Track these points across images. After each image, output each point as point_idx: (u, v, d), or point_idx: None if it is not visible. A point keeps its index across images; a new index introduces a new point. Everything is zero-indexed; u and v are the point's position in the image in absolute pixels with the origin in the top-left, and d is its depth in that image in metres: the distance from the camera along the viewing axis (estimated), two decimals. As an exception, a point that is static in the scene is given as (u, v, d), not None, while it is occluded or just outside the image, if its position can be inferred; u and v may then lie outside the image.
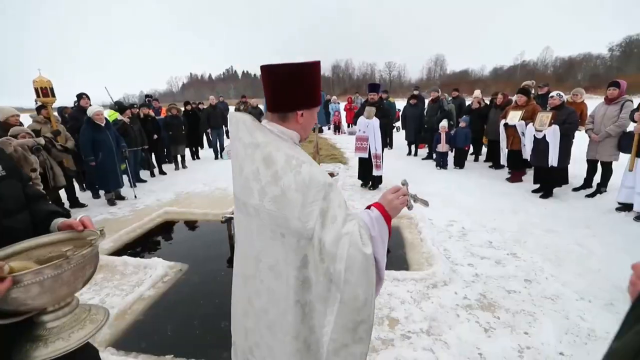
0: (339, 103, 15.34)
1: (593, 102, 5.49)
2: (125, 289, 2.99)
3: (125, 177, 5.69)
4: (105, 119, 5.36)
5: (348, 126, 13.97)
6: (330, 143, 10.85)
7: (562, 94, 4.87)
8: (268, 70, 1.01)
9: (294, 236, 0.91)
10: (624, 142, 4.27)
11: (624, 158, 4.42)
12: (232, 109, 13.58)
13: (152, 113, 7.52)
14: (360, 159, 5.60)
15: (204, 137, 10.28)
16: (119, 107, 6.93)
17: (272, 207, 0.91)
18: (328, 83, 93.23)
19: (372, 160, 5.40)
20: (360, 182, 5.92)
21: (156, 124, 7.51)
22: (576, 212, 4.36)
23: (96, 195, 5.85)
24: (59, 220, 1.11)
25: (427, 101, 8.60)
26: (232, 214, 4.02)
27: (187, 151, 8.83)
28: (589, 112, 5.14)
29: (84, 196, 5.81)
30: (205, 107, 10.15)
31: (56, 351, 0.89)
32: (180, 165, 8.21)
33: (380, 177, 5.67)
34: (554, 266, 3.10)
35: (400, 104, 11.61)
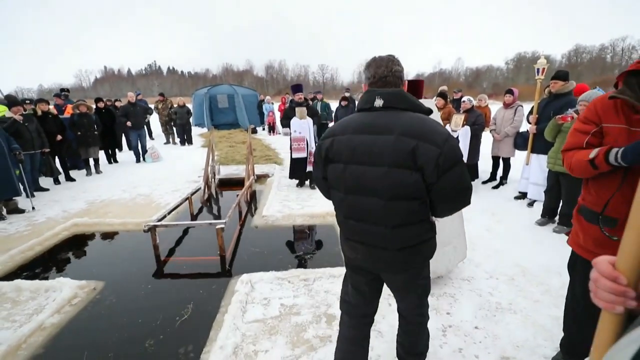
0: (273, 103, 15.17)
1: (496, 107, 6.34)
2: (18, 319, 2.50)
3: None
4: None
5: (282, 126, 13.89)
6: (264, 144, 10.66)
7: (472, 99, 5.54)
8: (414, 81, 2.24)
9: None
10: (518, 141, 5.04)
11: (520, 154, 5.20)
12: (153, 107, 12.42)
13: (53, 110, 6.46)
14: (296, 159, 5.60)
15: (123, 138, 9.25)
16: (9, 101, 5.80)
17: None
18: (262, 83, 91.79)
19: (308, 157, 5.49)
20: (296, 182, 5.93)
21: (59, 122, 6.48)
22: (485, 202, 4.98)
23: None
24: None
25: (357, 102, 9.01)
26: (158, 221, 3.67)
27: (102, 154, 7.82)
28: (492, 115, 5.93)
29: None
30: (122, 104, 9.11)
31: None
32: (93, 170, 7.21)
33: None
34: (469, 250, 3.47)
35: (333, 105, 11.96)
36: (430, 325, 2.34)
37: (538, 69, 4.42)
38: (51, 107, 6.52)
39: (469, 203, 1.36)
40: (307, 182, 5.87)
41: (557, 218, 3.96)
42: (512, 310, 2.52)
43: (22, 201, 4.89)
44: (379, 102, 1.35)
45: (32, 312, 2.57)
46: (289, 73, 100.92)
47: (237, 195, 4.76)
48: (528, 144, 4.61)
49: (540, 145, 4.31)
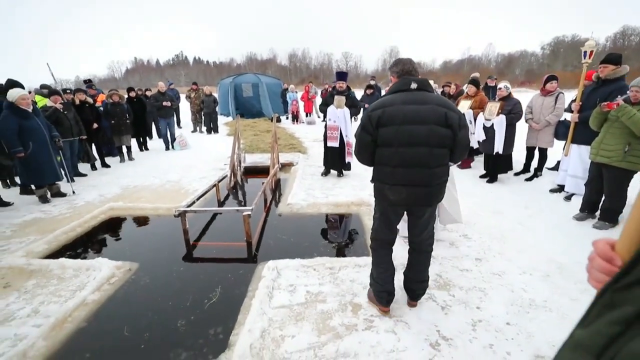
0: (296, 92, 15.12)
1: (528, 95, 5.97)
2: (63, 294, 2.68)
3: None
4: (34, 104, 4.71)
5: (306, 115, 13.86)
6: (288, 133, 10.68)
7: (508, 86, 5.19)
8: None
9: None
10: (560, 130, 4.72)
11: (558, 145, 4.88)
12: (183, 97, 12.76)
13: (89, 99, 6.76)
14: (329, 148, 5.54)
15: (153, 127, 9.57)
16: (48, 91, 6.12)
17: None
18: (285, 72, 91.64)
19: (346, 148, 5.42)
20: (321, 170, 5.91)
21: (95, 111, 6.79)
22: (517, 195, 4.76)
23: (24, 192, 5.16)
24: None
25: (383, 91, 8.80)
26: (187, 206, 3.79)
27: (134, 142, 8.14)
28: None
29: (9, 194, 5.11)
30: (153, 94, 9.40)
31: None
32: (126, 157, 7.54)
33: (349, 163, 5.71)
34: (500, 244, 3.35)
35: (358, 93, 11.73)
36: (458, 319, 2.30)
37: (585, 52, 4.07)
38: (87, 98, 6.82)
39: (466, 155, 2.17)
40: (338, 172, 5.80)
41: (597, 213, 3.72)
42: (548, 307, 2.41)
43: (63, 185, 5.20)
44: (414, 85, 2.02)
45: (75, 288, 2.75)
46: (312, 61, 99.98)
47: (263, 183, 4.81)
48: (569, 134, 4.31)
49: (581, 135, 4.03)
